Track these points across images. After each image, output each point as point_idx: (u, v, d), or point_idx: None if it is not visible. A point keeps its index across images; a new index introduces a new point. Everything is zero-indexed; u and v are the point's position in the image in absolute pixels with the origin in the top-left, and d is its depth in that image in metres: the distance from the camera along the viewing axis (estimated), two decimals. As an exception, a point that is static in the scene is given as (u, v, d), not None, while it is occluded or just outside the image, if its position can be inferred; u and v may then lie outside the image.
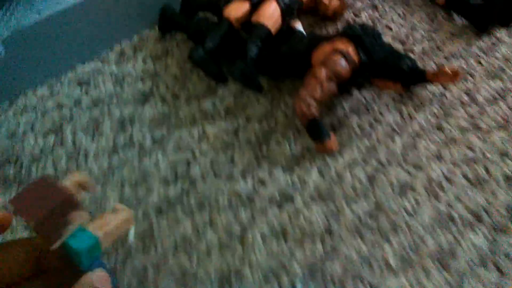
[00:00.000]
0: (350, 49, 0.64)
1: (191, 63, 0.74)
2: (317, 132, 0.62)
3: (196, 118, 0.69)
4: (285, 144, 0.67)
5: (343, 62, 0.63)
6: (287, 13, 0.71)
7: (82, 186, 0.31)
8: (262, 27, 0.69)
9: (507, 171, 0.63)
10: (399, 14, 0.86)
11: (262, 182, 0.63)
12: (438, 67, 0.70)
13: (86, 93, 0.72)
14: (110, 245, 0.37)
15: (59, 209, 0.26)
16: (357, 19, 0.85)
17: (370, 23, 0.84)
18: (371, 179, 0.63)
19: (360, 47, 0.64)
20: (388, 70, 0.63)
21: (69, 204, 0.27)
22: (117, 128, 0.68)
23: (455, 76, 0.70)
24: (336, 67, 0.62)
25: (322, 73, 0.62)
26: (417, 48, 0.81)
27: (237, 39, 0.72)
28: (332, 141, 0.63)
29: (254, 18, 0.70)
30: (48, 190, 0.27)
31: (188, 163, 0.65)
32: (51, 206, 0.26)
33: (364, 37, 0.64)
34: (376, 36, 0.66)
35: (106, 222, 0.29)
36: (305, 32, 0.78)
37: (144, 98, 0.71)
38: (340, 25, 0.84)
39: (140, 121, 0.69)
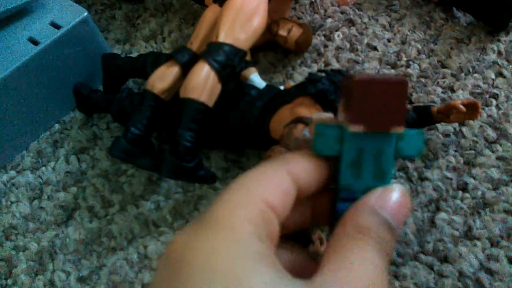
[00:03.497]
0: None
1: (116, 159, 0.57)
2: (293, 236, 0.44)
3: (134, 231, 0.52)
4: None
5: (307, 136, 0.44)
6: (225, 74, 0.52)
7: None
8: (193, 102, 0.50)
9: None
10: (383, 26, 0.66)
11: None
12: (447, 104, 0.51)
13: (-4, 219, 0.56)
14: None
15: None
16: (329, 44, 0.66)
17: (347, 45, 0.65)
18: None
19: (329, 109, 0.46)
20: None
21: None
22: (34, 268, 0.51)
23: (473, 110, 0.51)
24: (300, 145, 0.44)
25: None
26: (414, 71, 0.61)
27: (171, 112, 0.55)
28: (316, 244, 0.45)
29: (182, 92, 0.51)
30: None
31: (131, 302, 0.48)
32: None
33: (332, 94, 0.46)
34: (351, 84, 0.47)
35: None
36: (263, 82, 0.60)
37: (68, 215, 0.55)
38: (308, 58, 0.65)
39: (63, 249, 0.52)
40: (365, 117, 0.23)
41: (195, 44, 0.58)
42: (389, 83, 0.23)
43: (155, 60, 0.58)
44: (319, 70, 0.51)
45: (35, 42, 0.59)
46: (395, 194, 0.24)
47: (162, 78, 0.55)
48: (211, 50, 0.53)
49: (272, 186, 0.24)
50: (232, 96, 0.53)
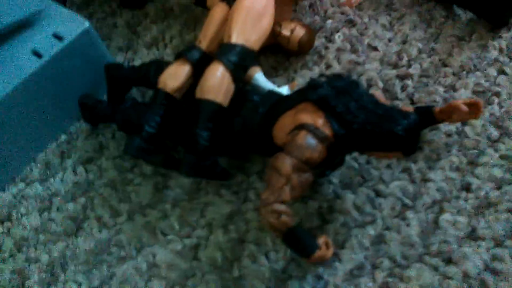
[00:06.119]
0: (319, 121, 0.46)
1: (130, 157, 0.58)
2: (299, 245, 0.45)
3: (142, 240, 0.53)
4: (262, 257, 0.50)
5: (311, 142, 0.45)
6: (239, 74, 0.53)
7: None
8: (209, 103, 0.51)
9: None
10: (383, 25, 0.66)
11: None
12: (448, 105, 0.51)
13: (8, 231, 0.57)
14: None
15: None
16: (330, 46, 0.66)
17: (347, 46, 0.65)
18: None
19: (331, 114, 0.46)
20: (377, 139, 0.45)
21: None
22: (46, 279, 0.53)
23: (475, 110, 0.51)
24: (304, 153, 0.44)
25: (287, 166, 0.44)
26: (415, 70, 0.61)
27: (183, 111, 0.55)
28: (323, 249, 0.46)
29: (199, 93, 0.52)
30: None
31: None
32: None
33: (333, 99, 0.46)
34: (352, 89, 0.47)
35: None
36: (268, 81, 0.60)
37: (77, 225, 0.56)
38: (310, 60, 0.65)
39: (74, 260, 0.54)
40: None
41: (204, 42, 0.58)
42: None
43: (158, 68, 0.59)
44: (320, 75, 0.51)
45: (38, 55, 0.60)
46: None
47: (174, 76, 0.55)
48: (225, 51, 0.54)
49: None
50: (234, 102, 0.54)
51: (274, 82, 0.64)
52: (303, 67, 0.65)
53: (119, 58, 0.71)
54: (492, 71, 0.59)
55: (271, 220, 0.44)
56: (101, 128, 0.64)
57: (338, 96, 0.47)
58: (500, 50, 0.60)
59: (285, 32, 0.64)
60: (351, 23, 0.68)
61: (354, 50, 0.65)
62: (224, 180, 0.54)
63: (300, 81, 0.64)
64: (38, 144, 0.64)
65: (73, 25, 0.62)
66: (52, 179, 0.60)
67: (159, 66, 0.59)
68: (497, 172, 0.51)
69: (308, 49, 0.66)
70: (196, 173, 0.51)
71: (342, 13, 0.69)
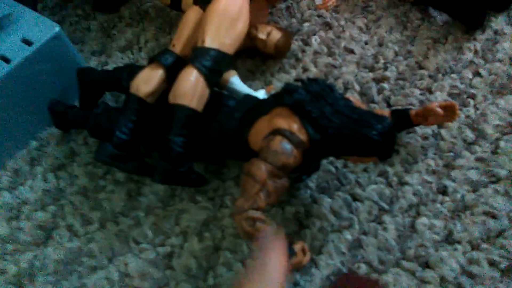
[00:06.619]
0: (294, 126, 0.45)
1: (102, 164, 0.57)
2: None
3: (114, 249, 0.52)
4: (238, 265, 0.49)
5: (286, 148, 0.44)
6: (213, 79, 0.52)
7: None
8: (183, 109, 0.50)
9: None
10: (360, 28, 0.66)
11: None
12: (424, 108, 0.50)
13: (-26, 243, 0.55)
14: None
15: None
16: (307, 49, 0.65)
17: (324, 49, 0.65)
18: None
19: (306, 119, 0.45)
20: (352, 144, 0.44)
21: None
22: (12, 291, 0.51)
23: (450, 113, 0.51)
24: (279, 158, 0.43)
25: (262, 172, 0.43)
26: (391, 73, 0.60)
27: (157, 116, 0.54)
28: (299, 256, 0.45)
29: (172, 98, 0.51)
30: None
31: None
32: None
33: (308, 104, 0.45)
34: (327, 94, 0.46)
35: None
36: (244, 85, 0.59)
37: (46, 234, 0.54)
38: (286, 63, 0.65)
39: (43, 271, 0.52)
40: None
41: (178, 46, 0.57)
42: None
43: (131, 72, 0.57)
44: (296, 79, 0.51)
45: (6, 60, 0.58)
46: None
47: (147, 81, 0.54)
48: (198, 55, 0.52)
49: None
50: (210, 106, 0.53)
51: (251, 86, 0.63)
52: (280, 71, 0.64)
53: (93, 62, 0.70)
54: (468, 73, 0.59)
55: (245, 228, 0.43)
56: (72, 134, 0.62)
57: (313, 101, 0.46)
58: (475, 52, 0.61)
59: (261, 35, 0.63)
60: (328, 26, 0.67)
61: (331, 53, 0.64)
62: (199, 186, 0.53)
63: (277, 84, 0.63)
64: (7, 151, 0.61)
65: (43, 29, 0.61)
66: (21, 187, 0.58)
67: (132, 70, 0.57)
68: (473, 175, 0.50)
69: (284, 52, 0.65)
70: (170, 180, 0.50)
71: (319, 16, 0.69)
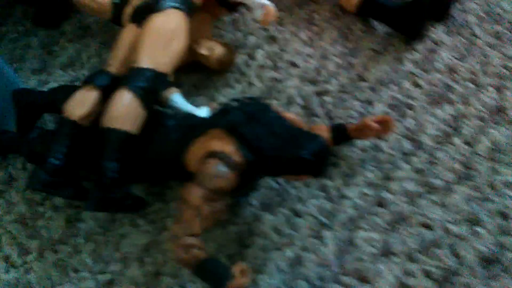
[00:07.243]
0: (228, 148, 0.45)
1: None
2: (211, 277, 0.43)
3: (53, 279, 0.50)
4: (179, 289, 0.48)
5: (221, 171, 0.43)
6: (148, 99, 0.51)
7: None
8: (116, 132, 0.49)
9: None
10: (304, 41, 0.66)
11: None
12: (360, 122, 0.51)
13: None
14: None
15: None
16: (251, 63, 0.65)
17: (269, 63, 0.65)
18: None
19: (240, 141, 0.45)
20: (286, 164, 0.44)
21: None
22: None
23: (385, 126, 0.52)
24: (213, 182, 0.43)
25: (196, 197, 0.42)
26: (333, 86, 0.61)
27: (93, 138, 0.52)
28: (237, 278, 0.44)
29: (104, 122, 0.49)
30: None
31: None
32: None
33: (242, 126, 0.45)
34: (262, 114, 0.46)
35: None
36: (186, 102, 0.58)
37: (-19, 267, 0.52)
38: (231, 77, 0.64)
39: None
40: None
41: (113, 66, 0.56)
42: None
43: (66, 93, 0.55)
44: (233, 99, 0.50)
45: None
46: None
47: (80, 104, 0.52)
48: (132, 76, 0.51)
49: None
50: (148, 127, 0.52)
51: (195, 101, 0.62)
52: (225, 86, 0.64)
53: (32, 82, 0.68)
54: (407, 84, 0.60)
55: (181, 255, 0.42)
56: (10, 158, 0.60)
57: (248, 122, 0.46)
58: (415, 63, 0.62)
59: (204, 51, 0.63)
60: (272, 39, 0.67)
61: (275, 67, 0.64)
62: (137, 210, 0.52)
63: (222, 100, 0.62)
64: None
65: (-25, 49, 0.59)
66: (-46, 217, 0.56)
67: (67, 91, 0.55)
68: (410, 186, 0.51)
69: (228, 67, 0.64)
70: (103, 207, 0.49)
71: (264, 29, 0.69)
